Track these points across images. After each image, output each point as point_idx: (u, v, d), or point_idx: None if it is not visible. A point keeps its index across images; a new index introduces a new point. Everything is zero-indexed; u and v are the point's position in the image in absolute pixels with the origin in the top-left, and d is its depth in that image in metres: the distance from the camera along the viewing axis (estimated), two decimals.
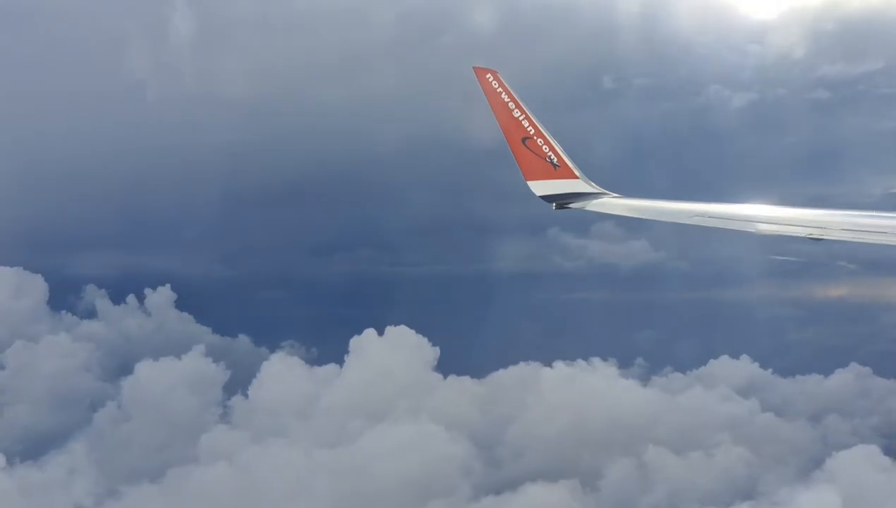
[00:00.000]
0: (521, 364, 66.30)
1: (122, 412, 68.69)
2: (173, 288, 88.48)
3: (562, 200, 19.46)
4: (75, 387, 75.05)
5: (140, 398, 68.18)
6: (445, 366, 66.81)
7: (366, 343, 63.31)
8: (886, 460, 44.42)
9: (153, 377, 70.06)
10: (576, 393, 58.58)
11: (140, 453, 56.65)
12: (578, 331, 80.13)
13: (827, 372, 69.38)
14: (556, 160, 19.59)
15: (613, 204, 18.96)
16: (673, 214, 17.27)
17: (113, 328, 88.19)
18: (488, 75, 19.60)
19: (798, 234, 14.64)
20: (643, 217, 18.33)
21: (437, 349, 64.91)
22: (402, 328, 63.24)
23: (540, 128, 19.65)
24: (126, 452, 56.90)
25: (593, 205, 19.04)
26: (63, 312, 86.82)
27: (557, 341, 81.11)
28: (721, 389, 62.96)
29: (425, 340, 64.86)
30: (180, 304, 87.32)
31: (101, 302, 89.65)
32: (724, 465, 46.30)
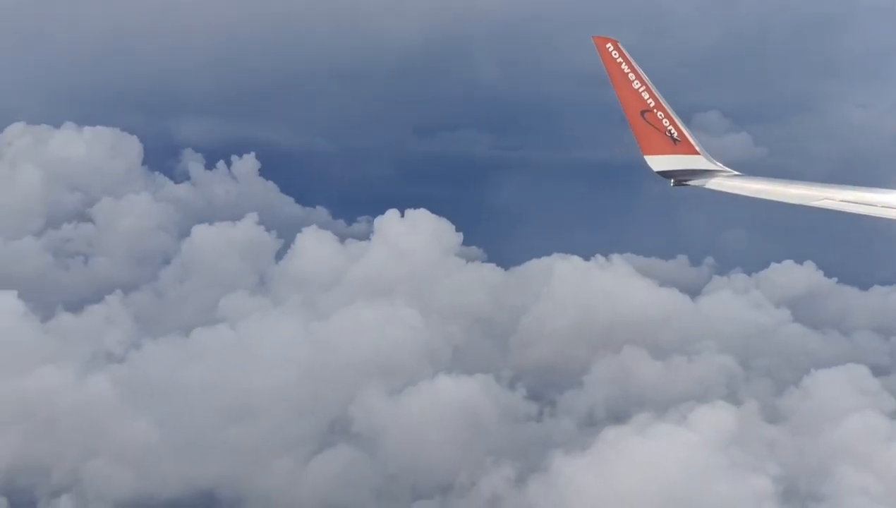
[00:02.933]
0: (555, 255, 68.62)
1: (183, 270, 77.64)
2: (270, 158, 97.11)
3: (680, 177, 19.37)
4: (149, 245, 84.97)
5: (194, 259, 76.98)
6: (490, 254, 70.90)
7: (389, 224, 67.88)
8: (874, 382, 44.20)
9: (207, 241, 78.47)
10: (588, 288, 60.52)
11: (176, 310, 65.37)
12: (657, 226, 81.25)
13: None
14: (676, 134, 19.36)
15: (735, 184, 18.80)
16: (800, 198, 17.10)
17: (198, 191, 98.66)
18: (608, 45, 19.37)
19: None
20: (768, 198, 17.91)
21: (461, 234, 68.81)
22: (423, 211, 67.05)
23: (661, 100, 19.40)
24: (164, 308, 65.78)
25: (713, 184, 18.97)
26: (157, 173, 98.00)
27: (629, 235, 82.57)
28: (754, 295, 62.70)
29: (449, 225, 68.71)
30: (267, 173, 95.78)
31: (195, 166, 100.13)
32: (698, 373, 47.64)
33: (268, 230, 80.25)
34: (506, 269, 70.58)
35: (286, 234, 76.32)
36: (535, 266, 68.67)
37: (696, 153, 19.49)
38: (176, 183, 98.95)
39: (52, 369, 39.50)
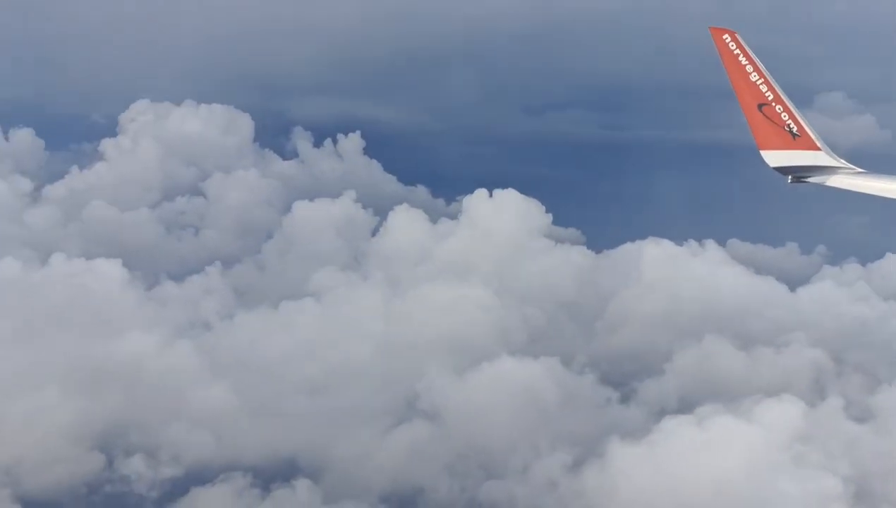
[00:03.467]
0: (650, 239, 67.43)
1: (283, 245, 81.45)
2: (376, 137, 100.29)
3: (799, 173, 18.77)
4: (254, 219, 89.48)
5: (294, 234, 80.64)
6: (589, 236, 70.48)
7: (477, 204, 68.55)
8: None
9: (307, 217, 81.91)
10: (678, 274, 59.22)
11: (272, 283, 68.84)
12: (768, 212, 78.69)
13: None
14: (795, 129, 18.82)
15: (858, 182, 18.05)
16: None
17: (305, 168, 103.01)
18: (725, 36, 19.02)
19: None
20: (892, 197, 17.14)
21: (550, 215, 68.66)
22: (511, 191, 67.27)
23: (780, 93, 18.87)
24: (262, 280, 69.44)
25: (834, 181, 18.30)
26: (267, 150, 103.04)
27: (738, 220, 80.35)
28: (859, 286, 59.52)
29: (538, 206, 68.68)
30: (372, 151, 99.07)
31: (303, 144, 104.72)
32: (785, 366, 45.96)
33: (365, 208, 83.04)
34: (598, 252, 70.39)
35: (385, 212, 78.85)
36: (629, 249, 67.84)
37: (817, 148, 18.86)
38: (285, 159, 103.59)
39: (144, 334, 42.75)
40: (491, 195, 68.41)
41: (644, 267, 61.99)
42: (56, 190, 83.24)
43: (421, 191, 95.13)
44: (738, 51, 18.86)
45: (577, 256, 67.69)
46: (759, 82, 18.85)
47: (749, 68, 18.85)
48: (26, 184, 71.51)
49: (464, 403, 41.39)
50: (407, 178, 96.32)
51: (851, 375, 46.09)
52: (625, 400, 46.30)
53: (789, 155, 18.83)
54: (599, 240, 72.39)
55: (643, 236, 66.72)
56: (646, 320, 59.27)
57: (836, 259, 70.42)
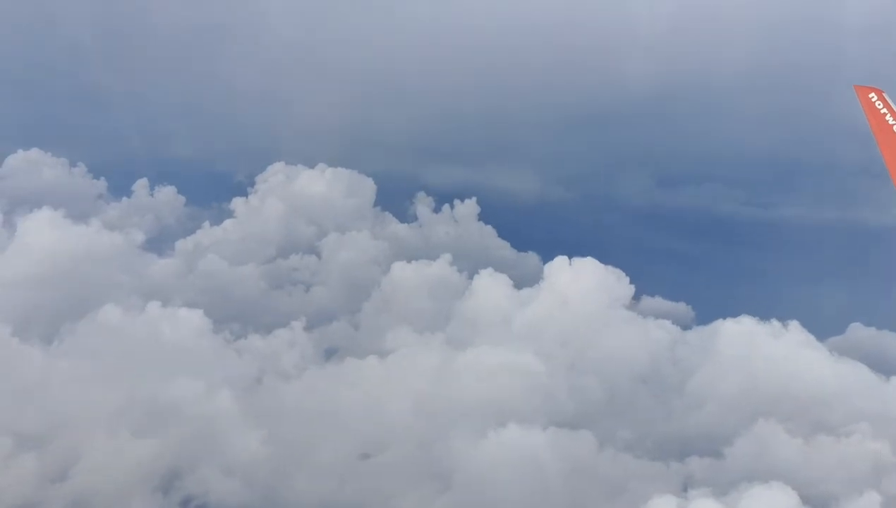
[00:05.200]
0: (744, 317, 66.27)
1: (381, 304, 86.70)
2: (494, 203, 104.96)
3: None
4: (360, 278, 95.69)
5: (390, 294, 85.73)
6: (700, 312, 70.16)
7: (557, 271, 70.16)
8: None
9: (404, 277, 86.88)
10: (754, 355, 57.90)
11: (359, 340, 73.70)
12: (884, 295, 76.05)
13: None
14: None
15: None
16: None
17: (418, 232, 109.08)
18: (871, 95, 19.49)
19: None
20: None
21: (633, 286, 68.89)
22: (590, 259, 68.28)
23: None
24: (351, 337, 74.51)
25: None
26: (386, 213, 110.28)
27: (866, 304, 77.37)
28: None
29: (622, 275, 69.15)
30: (488, 217, 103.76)
31: (423, 208, 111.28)
32: (843, 455, 44.00)
33: (461, 271, 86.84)
34: (685, 328, 69.87)
35: None
36: (719, 327, 66.73)
37: None
38: (402, 222, 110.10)
39: (197, 380, 48.11)
40: (570, 262, 70.08)
41: (721, 346, 61.04)
42: (185, 244, 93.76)
43: (531, 257, 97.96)
44: (885, 109, 19.27)
45: (659, 330, 67.44)
46: None
47: None
48: (139, 237, 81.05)
49: (473, 470, 43.06)
50: (522, 245, 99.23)
51: None
52: (662, 479, 45.95)
53: None
54: (706, 317, 72.10)
55: (750, 314, 65.85)
56: (720, 400, 58.22)
57: None
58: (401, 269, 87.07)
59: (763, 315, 63.85)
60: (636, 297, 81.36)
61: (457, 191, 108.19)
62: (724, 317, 66.43)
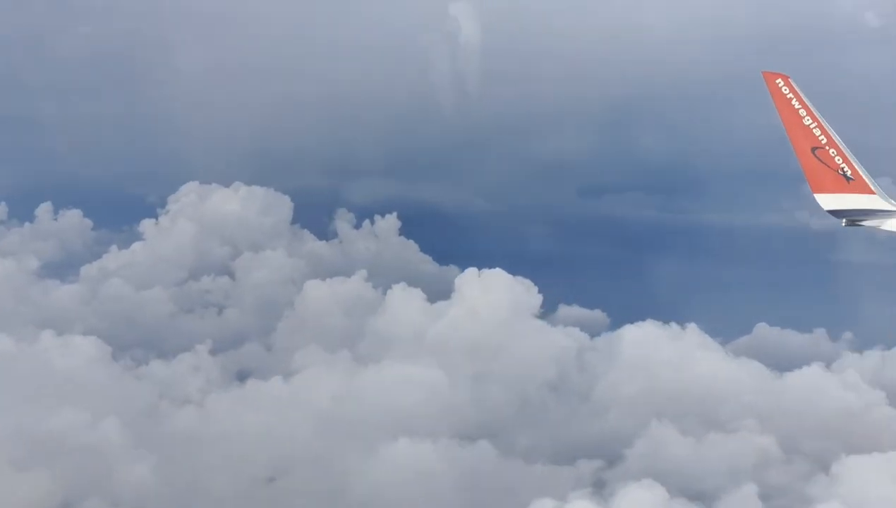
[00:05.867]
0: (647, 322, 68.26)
1: (294, 324, 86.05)
2: (419, 218, 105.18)
3: (853, 216, 19.52)
4: (273, 297, 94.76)
5: (304, 313, 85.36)
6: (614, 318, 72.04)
7: (468, 283, 71.32)
8: None
9: (317, 295, 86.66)
10: (654, 358, 59.98)
11: (271, 361, 73.33)
12: (805, 296, 79.62)
13: None
14: (849, 172, 19.56)
15: None
16: None
17: (337, 249, 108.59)
18: (778, 80, 19.94)
19: None
20: None
21: (542, 296, 70.46)
22: (499, 271, 69.74)
23: (833, 137, 19.71)
24: (263, 359, 74.13)
25: (890, 225, 19.03)
26: (304, 231, 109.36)
27: (772, 304, 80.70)
28: (849, 375, 58.51)
29: (530, 286, 70.66)
30: (410, 232, 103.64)
31: (343, 225, 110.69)
32: (730, 451, 46.08)
33: (376, 287, 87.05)
34: (593, 336, 71.72)
35: None
36: (625, 333, 68.65)
37: (871, 192, 19.57)
38: (320, 239, 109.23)
39: (81, 411, 47.34)
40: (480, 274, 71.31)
41: (626, 350, 63.01)
42: (90, 269, 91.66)
43: (453, 270, 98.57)
44: (791, 95, 19.95)
45: (567, 338, 69.13)
46: (812, 126, 19.82)
47: (802, 112, 19.87)
48: (34, 263, 79.24)
49: (365, 487, 43.53)
50: (444, 259, 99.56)
51: (803, 464, 45.72)
52: (559, 484, 47.13)
53: (843, 198, 19.57)
54: (620, 323, 73.94)
55: (666, 319, 67.79)
56: (623, 404, 60.05)
57: (862, 345, 70.09)
58: (314, 288, 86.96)
59: (675, 318, 66.16)
60: (553, 306, 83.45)
61: (379, 206, 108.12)
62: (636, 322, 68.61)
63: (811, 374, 58.07)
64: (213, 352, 72.18)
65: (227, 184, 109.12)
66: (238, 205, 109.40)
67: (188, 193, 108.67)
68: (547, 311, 78.78)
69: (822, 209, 19.41)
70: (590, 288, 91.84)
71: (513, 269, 73.09)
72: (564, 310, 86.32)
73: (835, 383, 57.20)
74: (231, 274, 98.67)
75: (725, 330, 70.73)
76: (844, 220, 19.37)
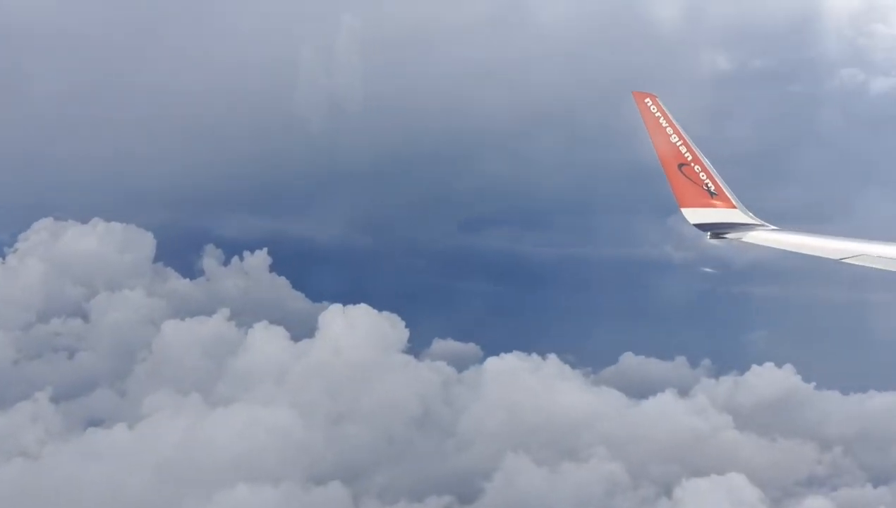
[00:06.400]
0: (516, 354, 69.18)
1: (153, 365, 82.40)
2: (288, 253, 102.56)
3: (717, 230, 20.88)
4: (129, 339, 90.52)
5: (162, 355, 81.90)
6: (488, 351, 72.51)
7: (332, 320, 70.60)
8: (754, 491, 42.73)
9: (175, 336, 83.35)
10: (517, 389, 60.87)
11: (109, 404, 69.84)
12: (668, 326, 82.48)
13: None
14: (713, 188, 20.90)
15: (771, 237, 20.08)
16: (836, 252, 17.80)
17: (203, 286, 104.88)
18: (647, 100, 21.05)
19: None
20: (803, 252, 18.71)
21: (408, 331, 70.56)
22: (364, 306, 69.44)
23: (698, 154, 20.99)
24: (99, 403, 70.42)
25: (750, 238, 20.33)
26: (168, 269, 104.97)
27: (636, 334, 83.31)
28: (699, 400, 61.23)
29: (397, 321, 70.64)
30: (282, 268, 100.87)
31: (211, 261, 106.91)
32: (581, 480, 47.08)
33: (240, 326, 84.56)
34: (461, 370, 72.06)
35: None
36: (489, 365, 69.34)
37: (733, 207, 21.03)
38: (185, 278, 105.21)
39: None
40: (344, 310, 70.69)
41: (491, 382, 63.67)
42: None
43: (326, 307, 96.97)
44: (658, 113, 21.03)
45: (433, 373, 69.19)
46: (678, 144, 20.93)
47: (669, 130, 20.96)
48: None
49: None
50: (318, 296, 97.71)
51: (650, 487, 47.21)
52: None
53: (707, 212, 20.90)
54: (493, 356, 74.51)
55: (541, 351, 68.77)
56: (486, 437, 60.44)
57: (719, 372, 73.66)
58: (173, 328, 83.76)
59: (548, 350, 67.53)
60: (427, 341, 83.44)
61: (251, 241, 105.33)
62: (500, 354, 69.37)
63: (664, 401, 60.28)
64: (58, 400, 68.29)
65: (85, 221, 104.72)
66: (95, 242, 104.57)
67: (40, 230, 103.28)
68: (421, 346, 79.05)
69: (689, 223, 20.75)
70: (465, 322, 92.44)
71: (389, 304, 73.14)
72: (439, 344, 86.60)
73: (685, 408, 59.57)
74: (85, 316, 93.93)
75: (594, 359, 73.24)
76: (709, 233, 20.62)
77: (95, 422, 66.19)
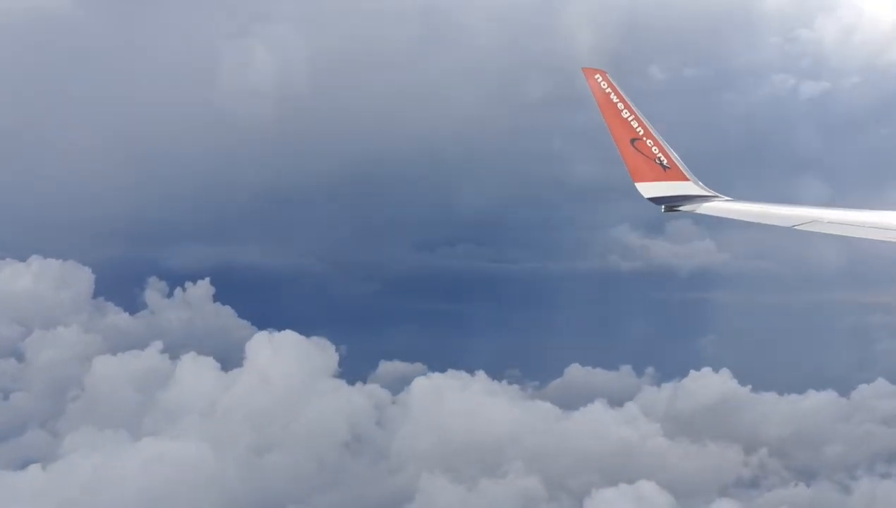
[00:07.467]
0: (451, 373, 69.24)
1: (86, 403, 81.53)
2: (234, 281, 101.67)
3: (671, 203, 20.87)
4: (62, 377, 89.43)
5: (94, 391, 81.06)
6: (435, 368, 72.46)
7: (260, 347, 70.27)
8: (665, 496, 43.04)
9: (106, 372, 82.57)
10: (445, 409, 60.89)
11: (41, 445, 68.97)
12: (612, 335, 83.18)
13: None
14: (665, 161, 20.99)
15: (725, 207, 20.18)
16: (790, 219, 17.93)
17: (145, 320, 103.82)
18: (597, 76, 21.10)
19: None
20: (757, 221, 18.92)
21: (338, 355, 70.39)
22: (290, 333, 69.19)
23: (650, 128, 21.14)
24: (30, 444, 69.55)
25: (704, 209, 20.42)
26: (109, 303, 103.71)
27: (582, 346, 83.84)
28: (629, 409, 61.62)
29: (328, 345, 70.45)
30: (226, 297, 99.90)
31: (153, 294, 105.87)
32: (498, 496, 47.15)
33: (174, 358, 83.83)
34: (395, 392, 71.92)
35: (225, 361, 79.10)
36: (417, 385, 69.20)
37: (686, 179, 21.17)
38: (127, 311, 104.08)
39: None
40: (271, 338, 70.43)
41: (420, 402, 63.62)
42: None
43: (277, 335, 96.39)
44: (609, 89, 21.19)
45: (365, 396, 68.96)
46: (630, 119, 21.11)
47: (620, 106, 21.11)
48: None
49: None
50: (265, 323, 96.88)
51: (568, 500, 47.37)
52: None
53: (661, 186, 20.92)
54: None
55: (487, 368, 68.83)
56: (417, 458, 60.31)
57: (661, 379, 74.24)
58: (104, 364, 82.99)
59: (494, 366, 67.75)
60: (374, 363, 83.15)
61: (199, 272, 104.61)
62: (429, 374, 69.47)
63: (594, 411, 60.55)
64: None
65: (23, 258, 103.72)
66: (31, 280, 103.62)
67: None
68: (368, 369, 79.00)
69: (644, 197, 20.85)
70: (413, 342, 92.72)
71: (337, 329, 73.05)
72: (385, 366, 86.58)
73: (614, 418, 59.87)
74: (19, 356, 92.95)
75: (541, 373, 73.66)
76: (664, 207, 20.69)
77: (28, 463, 65.66)
